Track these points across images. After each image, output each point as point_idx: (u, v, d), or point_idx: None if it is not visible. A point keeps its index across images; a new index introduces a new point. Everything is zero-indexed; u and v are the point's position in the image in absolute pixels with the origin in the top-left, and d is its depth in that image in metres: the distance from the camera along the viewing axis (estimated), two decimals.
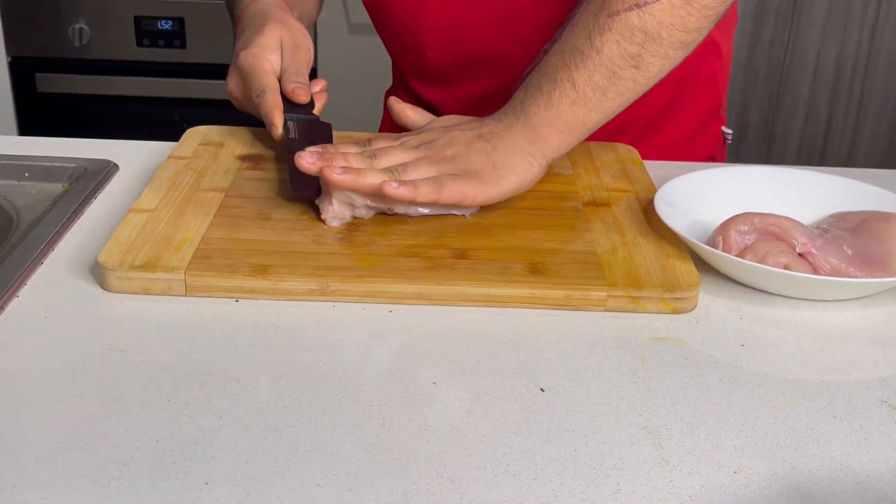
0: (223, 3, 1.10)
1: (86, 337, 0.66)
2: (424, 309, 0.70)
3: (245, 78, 0.91)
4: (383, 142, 0.83)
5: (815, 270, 0.73)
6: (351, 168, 0.77)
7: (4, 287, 0.70)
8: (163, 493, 0.52)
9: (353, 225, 0.78)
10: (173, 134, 0.97)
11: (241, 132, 0.95)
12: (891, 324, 0.71)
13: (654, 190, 0.85)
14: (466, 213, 0.80)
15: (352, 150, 0.81)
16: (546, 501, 0.53)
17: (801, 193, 0.85)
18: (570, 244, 0.77)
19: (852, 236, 0.76)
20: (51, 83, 2.31)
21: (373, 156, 0.80)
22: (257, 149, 0.91)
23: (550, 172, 0.86)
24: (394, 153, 0.81)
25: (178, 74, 2.28)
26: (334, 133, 0.92)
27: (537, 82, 0.83)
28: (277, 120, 0.87)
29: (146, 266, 0.70)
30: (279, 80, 0.91)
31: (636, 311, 0.71)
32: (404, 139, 0.84)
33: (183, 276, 0.70)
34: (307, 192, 0.79)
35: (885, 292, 0.75)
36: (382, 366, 0.64)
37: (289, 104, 0.90)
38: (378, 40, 1.10)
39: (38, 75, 2.30)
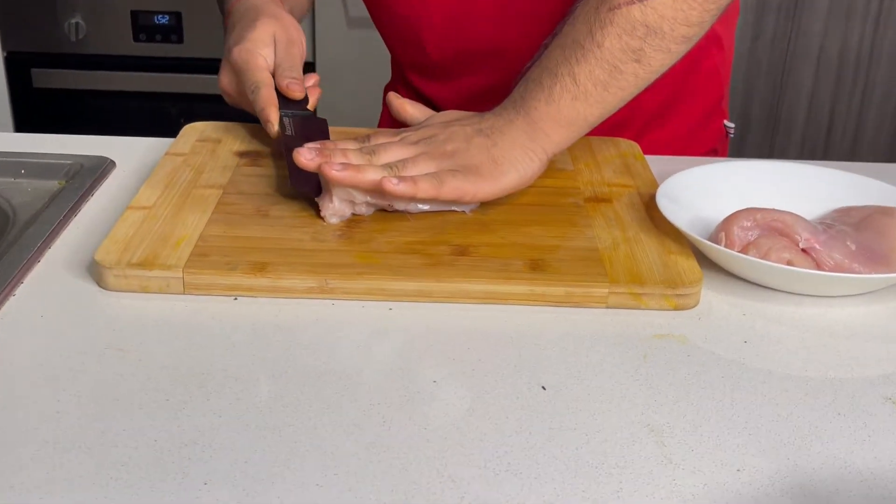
0: None
1: (83, 336, 0.66)
2: (424, 306, 0.70)
3: (238, 74, 0.91)
4: (382, 137, 0.83)
5: (819, 266, 0.73)
6: (350, 164, 0.77)
7: (0, 286, 0.70)
8: (161, 493, 0.52)
9: (353, 222, 0.78)
10: (171, 129, 0.97)
11: (239, 128, 0.95)
12: (895, 320, 0.71)
13: (655, 185, 0.85)
14: (467, 209, 0.80)
15: (351, 146, 0.81)
16: (548, 501, 0.53)
17: (804, 188, 0.85)
18: (571, 240, 0.76)
19: (856, 231, 0.76)
20: (47, 79, 2.31)
21: (372, 152, 0.80)
22: (255, 145, 0.91)
23: (551, 168, 0.86)
24: (393, 149, 0.81)
25: (176, 69, 2.28)
26: (333, 129, 0.92)
27: (538, 77, 0.83)
28: (273, 117, 0.87)
29: (144, 264, 0.70)
30: (273, 76, 0.91)
31: (638, 308, 0.71)
32: (404, 135, 0.84)
33: (181, 274, 0.70)
34: (307, 190, 0.79)
35: (889, 288, 0.74)
36: (382, 364, 0.64)
37: (283, 100, 0.90)
38: (377, 34, 1.10)
39: (34, 71, 2.29)
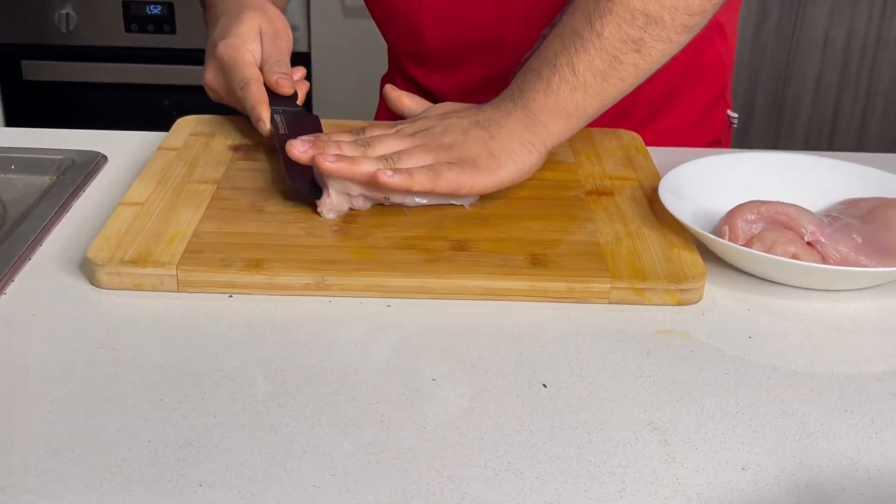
0: None
1: (75, 335, 0.66)
2: (423, 303, 0.70)
3: (226, 70, 0.90)
4: (378, 130, 0.83)
5: (825, 259, 0.73)
6: (344, 156, 0.76)
7: None
8: (156, 495, 0.52)
9: (350, 217, 0.78)
10: (164, 121, 0.97)
11: (233, 121, 0.94)
12: None
13: (658, 178, 0.85)
14: (465, 203, 0.80)
15: (345, 138, 0.81)
16: (549, 501, 0.53)
17: (809, 180, 0.85)
18: (572, 235, 0.76)
19: (862, 224, 0.76)
20: (37, 71, 2.30)
21: (367, 144, 0.80)
22: (250, 138, 0.91)
23: (551, 160, 0.86)
24: (388, 141, 0.80)
25: (168, 60, 2.28)
26: (328, 121, 0.92)
27: (536, 67, 0.82)
28: (265, 115, 0.86)
29: (137, 261, 0.70)
30: (260, 70, 0.90)
31: (640, 304, 0.71)
32: (399, 127, 0.83)
33: (175, 272, 0.70)
34: (308, 193, 0.78)
35: None
36: (380, 362, 0.64)
37: (272, 96, 0.89)
38: (374, 24, 1.10)
39: (24, 62, 2.29)
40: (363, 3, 1.09)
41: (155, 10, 2.23)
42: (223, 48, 0.90)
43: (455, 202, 0.80)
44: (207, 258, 0.71)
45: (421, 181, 0.76)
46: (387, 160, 0.77)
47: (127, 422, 0.57)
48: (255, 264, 0.70)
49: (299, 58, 2.23)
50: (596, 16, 0.80)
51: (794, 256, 0.72)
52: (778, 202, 0.76)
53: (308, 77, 2.27)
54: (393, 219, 0.78)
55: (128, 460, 0.54)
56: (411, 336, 0.67)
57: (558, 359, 0.64)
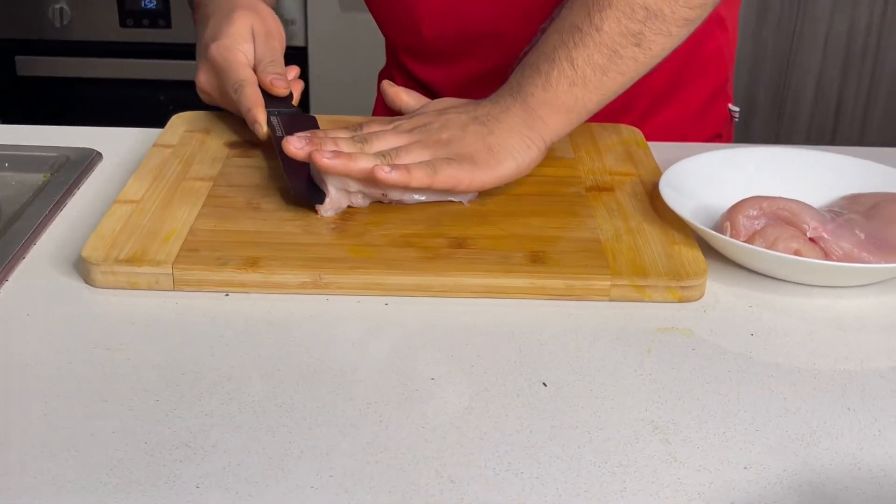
0: None
1: (70, 335, 0.65)
2: (422, 301, 0.70)
3: (219, 72, 0.89)
4: (375, 126, 0.83)
5: (827, 256, 0.73)
6: (341, 152, 0.76)
7: None
8: (152, 497, 0.52)
9: (347, 214, 0.78)
10: (160, 117, 0.96)
11: (229, 118, 0.94)
12: None
13: (659, 173, 0.85)
14: (464, 199, 0.80)
15: (342, 134, 0.81)
16: (549, 501, 0.53)
17: (811, 175, 0.84)
18: (572, 231, 0.76)
19: (865, 219, 0.76)
20: (31, 66, 2.30)
21: (364, 140, 0.79)
22: (246, 135, 0.91)
23: (551, 156, 0.86)
24: (386, 137, 0.80)
25: (164, 55, 2.27)
26: (325, 117, 0.92)
27: (535, 62, 0.82)
28: (261, 117, 0.86)
29: (132, 260, 0.70)
30: (254, 71, 0.90)
31: (641, 301, 0.71)
32: (397, 123, 0.83)
33: (170, 270, 0.70)
34: (310, 197, 0.77)
35: None
36: (379, 361, 0.64)
37: (266, 97, 0.88)
38: (372, 17, 1.10)
39: (18, 58, 2.29)
40: None
41: (150, 4, 2.23)
42: (215, 50, 0.89)
43: (453, 199, 0.80)
44: (203, 257, 0.71)
45: (419, 177, 0.76)
46: (384, 156, 0.77)
47: (123, 422, 0.57)
48: (252, 263, 0.70)
49: (295, 52, 2.23)
50: (595, 9, 0.80)
51: (797, 253, 0.72)
52: (780, 198, 0.76)
53: (304, 72, 2.28)
54: (391, 216, 0.78)
55: (124, 461, 0.54)
56: (410, 335, 0.67)
57: (558, 357, 0.64)
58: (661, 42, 0.81)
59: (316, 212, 0.77)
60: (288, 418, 0.58)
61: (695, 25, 0.83)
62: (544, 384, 0.62)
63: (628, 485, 0.54)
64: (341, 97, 2.23)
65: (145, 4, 2.23)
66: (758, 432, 0.58)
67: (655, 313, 0.70)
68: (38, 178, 0.87)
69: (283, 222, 0.76)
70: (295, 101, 0.91)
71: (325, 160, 0.75)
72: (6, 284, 0.71)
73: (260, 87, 0.88)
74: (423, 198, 0.79)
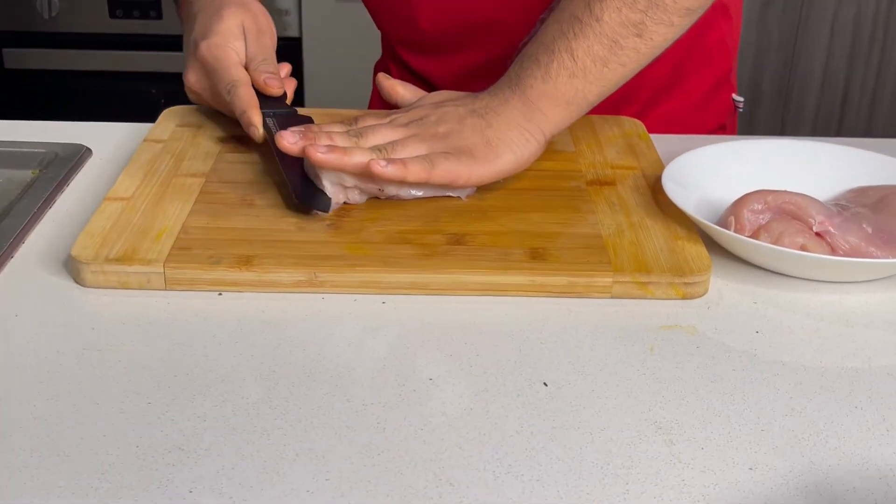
0: None
1: (60, 336, 0.65)
2: (419, 299, 0.70)
3: (210, 72, 0.88)
4: (371, 119, 0.83)
5: (834, 250, 0.73)
6: (336, 147, 0.76)
7: None
8: (144, 502, 0.52)
9: (343, 210, 0.78)
10: (151, 110, 0.96)
11: (222, 112, 0.94)
12: None
13: (661, 166, 0.85)
14: (462, 194, 0.80)
15: (337, 128, 0.81)
16: (551, 503, 0.53)
17: (817, 168, 0.84)
18: (572, 227, 0.76)
19: (872, 213, 0.76)
20: (19, 59, 2.30)
21: (359, 134, 0.79)
22: (239, 130, 0.90)
23: (551, 149, 0.86)
24: (382, 131, 0.80)
25: (155, 47, 2.27)
26: (321, 111, 0.92)
27: (534, 53, 0.82)
28: (257, 119, 0.84)
29: (123, 259, 0.70)
30: (246, 71, 0.88)
31: (644, 298, 0.71)
32: (393, 116, 0.83)
33: (162, 269, 0.70)
34: (315, 205, 0.76)
35: None
36: (376, 361, 0.64)
37: (260, 97, 0.87)
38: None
39: (6, 51, 2.29)
40: None
41: None
42: (206, 49, 0.87)
43: (451, 194, 0.80)
44: (196, 255, 0.71)
45: (416, 171, 0.76)
46: (380, 150, 0.77)
47: (114, 426, 0.57)
48: (245, 261, 0.70)
49: (289, 43, 2.23)
50: None
51: (803, 248, 0.72)
52: (785, 191, 0.76)
53: (298, 63, 2.28)
54: (387, 212, 0.78)
55: (115, 466, 0.54)
56: (407, 334, 0.66)
57: (559, 356, 0.64)
58: (662, 32, 0.81)
59: (313, 213, 0.76)
60: (283, 420, 0.58)
61: (697, 15, 0.83)
62: (545, 384, 0.62)
63: (631, 487, 0.54)
64: (336, 90, 2.23)
65: None
66: (763, 432, 0.58)
67: (658, 310, 0.69)
68: (26, 174, 0.87)
69: (277, 219, 0.76)
70: (289, 100, 0.90)
71: (319, 154, 0.75)
72: None
73: (253, 86, 0.87)
74: (420, 193, 0.79)
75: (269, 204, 0.78)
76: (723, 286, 0.73)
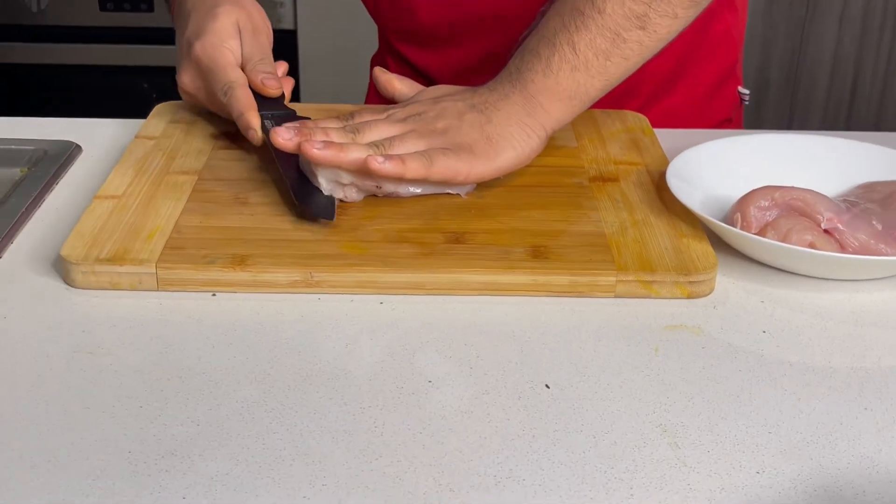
0: None
1: (49, 338, 0.65)
2: (418, 299, 0.70)
3: (205, 73, 0.87)
4: (367, 115, 0.83)
5: (843, 248, 0.73)
6: (332, 143, 0.76)
7: None
8: None
9: (340, 208, 0.78)
10: (143, 104, 0.96)
11: None
12: None
13: (665, 162, 0.85)
14: (461, 191, 0.80)
15: (333, 124, 0.81)
16: None
17: (825, 163, 0.84)
18: (575, 224, 0.76)
19: (882, 209, 0.76)
20: (8, 53, 2.30)
21: (356, 130, 0.79)
22: (232, 126, 0.90)
23: (552, 145, 0.86)
24: (379, 127, 0.80)
25: (146, 40, 2.27)
26: (316, 106, 0.92)
27: (534, 47, 0.82)
28: (255, 122, 0.83)
29: (114, 259, 0.70)
30: (243, 71, 0.87)
31: (648, 297, 0.71)
32: (391, 112, 0.83)
33: (154, 270, 0.70)
34: (320, 214, 0.75)
35: None
36: (373, 363, 0.64)
37: (257, 98, 0.85)
38: None
39: None
40: None
41: None
42: (200, 49, 0.86)
43: (451, 191, 0.80)
44: (189, 255, 0.71)
45: (414, 168, 0.76)
46: (378, 147, 0.77)
47: (105, 431, 0.57)
48: (240, 261, 0.70)
49: (284, 35, 2.23)
50: None
51: (811, 245, 0.72)
52: (793, 187, 0.76)
53: (294, 57, 2.28)
54: (385, 210, 0.78)
55: (106, 472, 0.54)
56: (406, 335, 0.67)
57: (561, 357, 0.64)
58: (666, 24, 0.81)
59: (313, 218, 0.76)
60: (278, 424, 0.58)
61: (702, 7, 0.83)
62: (547, 386, 0.62)
63: (635, 491, 0.54)
64: (332, 83, 2.23)
65: None
66: (771, 434, 0.58)
67: (663, 310, 0.70)
68: (14, 172, 0.87)
69: (272, 218, 0.76)
70: (287, 100, 0.89)
71: (315, 151, 0.75)
72: None
73: (250, 87, 0.86)
74: (418, 190, 0.79)
75: (263, 202, 0.78)
76: (729, 285, 0.73)
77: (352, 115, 0.83)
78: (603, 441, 0.57)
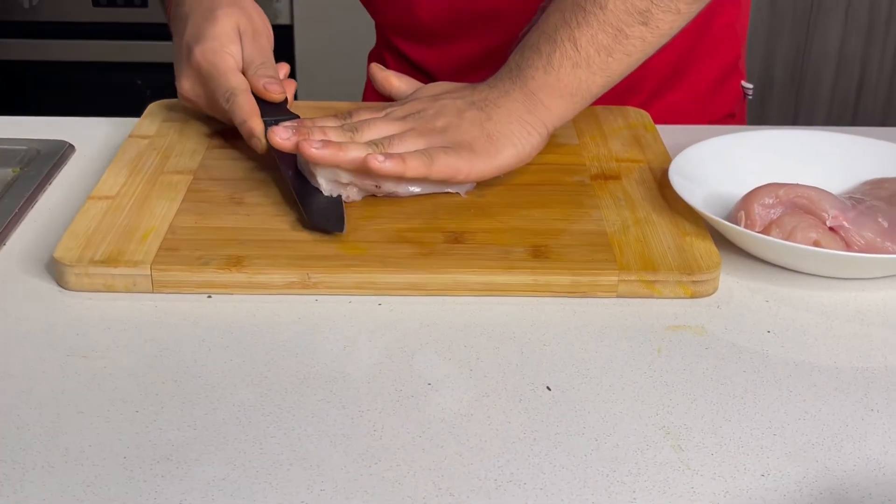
0: None
1: (42, 342, 0.66)
2: (417, 300, 0.70)
3: (206, 79, 0.86)
4: (365, 113, 0.83)
5: (848, 246, 0.73)
6: (331, 142, 0.76)
7: None
8: None
9: None
10: (137, 101, 0.96)
11: None
12: None
13: (668, 159, 0.85)
14: (461, 190, 0.80)
15: (331, 123, 0.81)
16: None
17: (830, 159, 0.85)
18: (576, 223, 0.76)
19: (889, 206, 0.76)
20: (0, 50, 2.30)
21: (354, 129, 0.79)
22: (227, 125, 0.91)
23: (553, 142, 0.86)
24: (378, 125, 0.80)
25: (140, 36, 2.27)
26: (312, 103, 0.92)
27: (535, 43, 0.82)
28: (258, 129, 0.82)
29: (108, 261, 0.70)
30: (244, 75, 0.86)
31: (651, 297, 0.71)
32: (389, 110, 0.83)
33: (149, 271, 0.70)
34: (328, 225, 0.75)
35: None
36: (372, 366, 0.64)
37: (260, 103, 0.84)
38: None
39: None
40: None
41: None
42: (200, 54, 0.85)
43: (450, 190, 0.80)
44: (184, 256, 0.71)
45: (414, 167, 0.76)
46: (377, 145, 0.77)
47: (99, 436, 0.57)
48: (236, 262, 0.70)
49: (280, 30, 2.23)
50: None
51: (816, 243, 0.72)
52: (797, 185, 0.76)
53: (290, 53, 2.28)
54: (384, 209, 0.78)
55: (101, 477, 0.54)
56: (405, 337, 0.67)
57: (563, 359, 0.65)
58: (669, 20, 0.81)
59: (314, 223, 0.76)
60: (276, 428, 0.58)
61: (704, 2, 0.83)
62: (548, 388, 0.62)
63: (638, 495, 0.54)
64: (329, 79, 2.23)
65: None
66: (775, 436, 0.58)
67: (665, 310, 0.70)
68: (6, 173, 0.87)
69: (268, 218, 0.76)
70: (290, 104, 0.88)
71: (313, 150, 0.75)
72: None
73: (252, 92, 0.85)
74: (417, 189, 0.79)
75: (259, 202, 0.78)
76: (733, 284, 0.73)
77: (350, 113, 0.83)
78: (605, 444, 0.57)
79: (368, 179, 0.78)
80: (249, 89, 0.85)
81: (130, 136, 0.89)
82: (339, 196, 0.77)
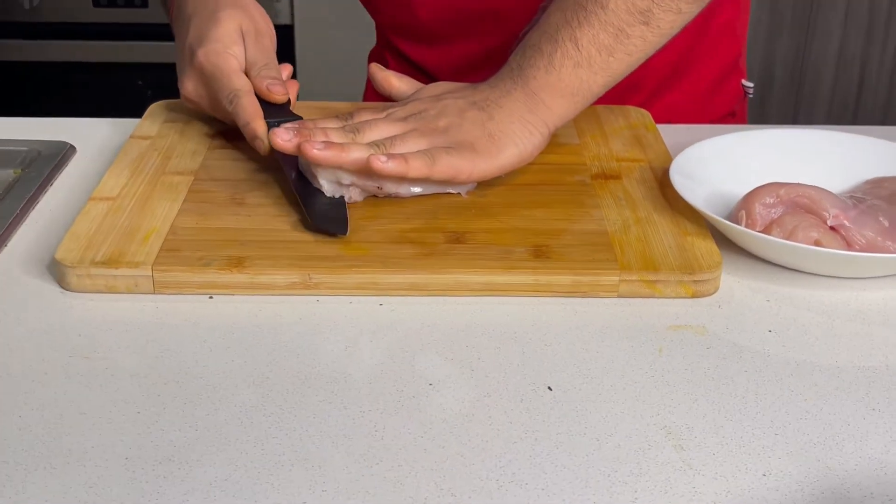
0: None
1: (44, 343, 0.66)
2: (418, 301, 0.70)
3: (209, 81, 0.86)
4: (367, 114, 0.83)
5: (849, 245, 0.73)
6: (332, 143, 0.76)
7: None
8: None
9: None
10: (138, 102, 0.96)
11: None
12: None
13: (669, 158, 0.85)
14: (462, 190, 0.80)
15: (332, 124, 0.81)
16: None
17: (831, 158, 0.85)
18: (577, 223, 0.76)
19: (889, 205, 0.76)
20: (0, 50, 2.30)
21: (356, 130, 0.79)
22: (228, 125, 0.91)
23: (554, 142, 0.86)
24: (379, 126, 0.80)
25: (141, 37, 2.27)
26: (312, 104, 0.92)
27: (536, 43, 0.82)
28: (262, 131, 0.82)
29: (109, 262, 0.70)
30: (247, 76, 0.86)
31: (652, 297, 0.71)
32: (390, 110, 0.83)
33: (150, 272, 0.70)
34: (332, 228, 0.74)
35: None
36: (373, 366, 0.64)
37: (263, 105, 0.84)
38: None
39: None
40: None
41: None
42: (203, 56, 0.85)
43: (452, 190, 0.80)
44: (185, 257, 0.71)
45: (416, 167, 0.76)
46: (379, 146, 0.77)
47: (101, 437, 0.57)
48: (237, 262, 0.70)
49: (281, 30, 2.22)
50: None
51: (817, 243, 0.72)
52: (798, 184, 0.76)
53: (290, 53, 2.28)
54: (385, 210, 0.78)
55: (103, 478, 0.54)
56: (406, 337, 0.67)
57: (564, 359, 0.65)
58: (670, 19, 0.81)
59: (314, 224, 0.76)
60: (277, 429, 0.58)
61: (705, 2, 0.83)
62: (549, 388, 0.62)
63: (640, 494, 0.54)
64: (329, 79, 2.23)
65: None
66: (777, 436, 0.58)
67: (667, 310, 0.70)
68: (7, 174, 0.87)
69: (270, 218, 0.76)
70: (293, 105, 0.88)
71: (315, 151, 0.75)
72: None
73: (255, 93, 0.85)
74: (419, 190, 0.79)
75: (260, 202, 0.78)
76: (734, 284, 0.73)
77: (350, 114, 0.83)
78: (607, 444, 0.57)
79: (370, 180, 0.78)
80: (253, 91, 0.85)
81: (131, 136, 0.89)
82: (342, 198, 0.77)
